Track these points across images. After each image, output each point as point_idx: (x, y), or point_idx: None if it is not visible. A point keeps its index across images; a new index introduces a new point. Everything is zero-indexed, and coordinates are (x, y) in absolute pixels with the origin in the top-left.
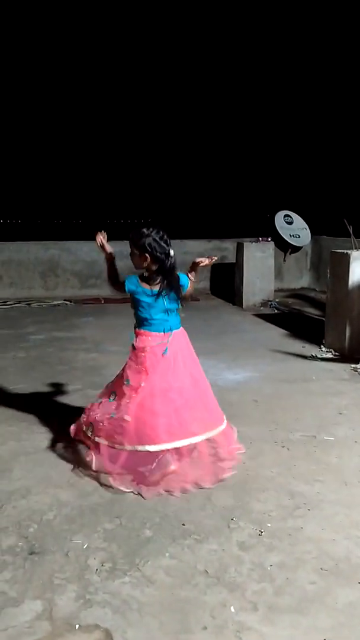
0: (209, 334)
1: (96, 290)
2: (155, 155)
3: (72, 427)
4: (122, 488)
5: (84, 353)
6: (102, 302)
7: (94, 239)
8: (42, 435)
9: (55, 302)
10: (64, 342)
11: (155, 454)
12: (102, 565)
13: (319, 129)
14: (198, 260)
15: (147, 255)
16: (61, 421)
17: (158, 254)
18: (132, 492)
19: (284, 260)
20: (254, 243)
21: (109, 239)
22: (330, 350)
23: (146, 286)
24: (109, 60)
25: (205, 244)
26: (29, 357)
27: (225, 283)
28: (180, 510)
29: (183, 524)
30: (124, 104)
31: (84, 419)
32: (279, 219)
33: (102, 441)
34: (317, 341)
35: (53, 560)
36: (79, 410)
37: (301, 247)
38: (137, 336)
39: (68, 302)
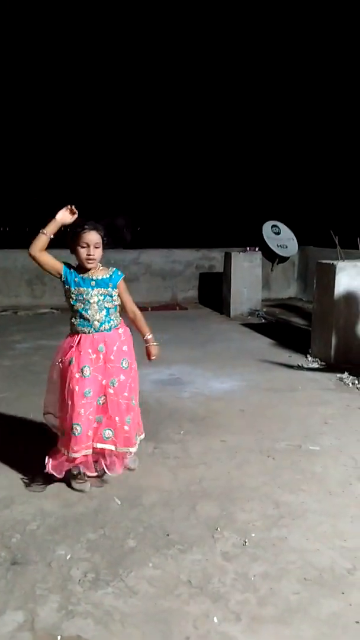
0: (196, 342)
1: None
2: (145, 164)
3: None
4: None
5: None
6: None
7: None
8: (26, 445)
9: (42, 311)
10: (50, 351)
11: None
12: (85, 575)
13: (307, 142)
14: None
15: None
16: (45, 430)
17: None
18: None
19: (272, 270)
20: (241, 253)
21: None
22: (317, 359)
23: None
24: (98, 77)
25: (193, 253)
26: (14, 365)
27: (213, 292)
28: (165, 520)
29: (167, 534)
30: (114, 115)
31: None
32: (267, 229)
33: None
34: (303, 351)
35: (36, 571)
36: None
37: (288, 257)
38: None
39: (55, 310)
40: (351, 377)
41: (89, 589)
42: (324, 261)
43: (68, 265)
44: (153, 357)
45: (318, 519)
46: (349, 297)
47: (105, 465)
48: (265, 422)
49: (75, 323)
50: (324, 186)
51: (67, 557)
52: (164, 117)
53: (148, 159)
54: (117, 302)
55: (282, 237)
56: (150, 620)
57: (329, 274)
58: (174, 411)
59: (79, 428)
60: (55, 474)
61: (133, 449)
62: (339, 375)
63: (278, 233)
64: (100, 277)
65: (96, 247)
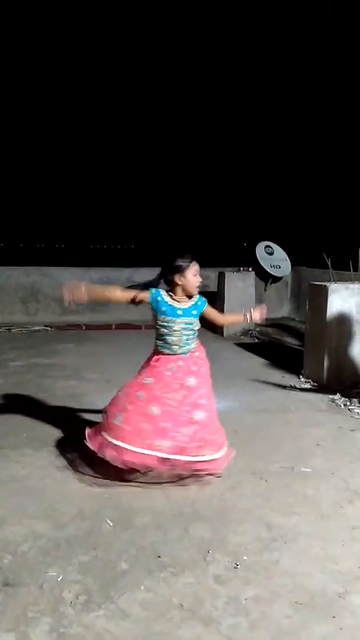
0: None
1: (77, 317)
2: (138, 183)
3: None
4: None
5: (63, 380)
6: (83, 328)
7: (76, 264)
8: (18, 465)
9: (35, 328)
10: (44, 369)
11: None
12: (77, 598)
13: (300, 164)
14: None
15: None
16: (37, 450)
17: None
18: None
19: (265, 290)
20: (235, 273)
21: (92, 265)
22: (309, 380)
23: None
24: (90, 95)
25: None
26: (7, 383)
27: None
28: (157, 542)
29: (159, 557)
30: (106, 131)
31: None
32: (260, 249)
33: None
34: (296, 371)
35: (27, 593)
36: (56, 440)
37: (282, 278)
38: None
39: (49, 328)
40: (343, 398)
41: (80, 612)
42: (317, 282)
43: (159, 291)
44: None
45: (310, 542)
46: (341, 318)
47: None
48: (258, 443)
49: (158, 344)
50: (316, 207)
51: (59, 579)
52: (159, 139)
53: (143, 179)
54: (197, 328)
55: (275, 258)
56: None
57: (322, 295)
58: None
59: (120, 418)
60: (89, 444)
61: (191, 458)
62: (330, 396)
63: (271, 253)
64: (186, 306)
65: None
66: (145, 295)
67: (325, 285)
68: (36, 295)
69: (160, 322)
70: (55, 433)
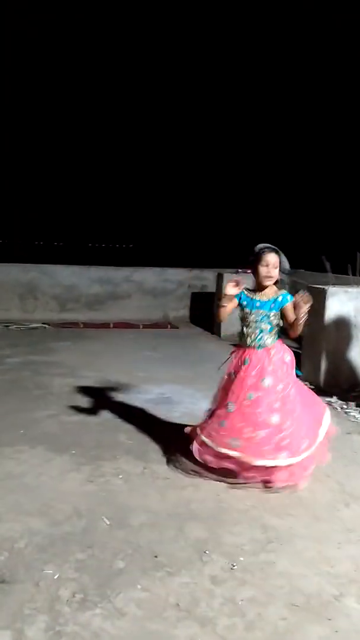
0: (187, 362)
1: (75, 315)
2: (138, 183)
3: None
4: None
5: (60, 378)
6: (81, 326)
7: (74, 262)
8: (13, 462)
9: (33, 325)
10: (41, 366)
11: None
12: (73, 596)
13: (299, 166)
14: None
15: None
16: (34, 447)
17: None
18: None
19: None
20: (234, 274)
21: (91, 264)
22: (306, 383)
23: None
24: (87, 98)
25: (185, 273)
26: (3, 380)
27: (205, 312)
28: (153, 542)
29: (155, 556)
30: (107, 132)
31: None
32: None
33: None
34: None
35: (23, 590)
36: (53, 435)
37: (282, 279)
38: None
39: (46, 326)
40: (340, 401)
41: (77, 610)
42: (315, 285)
43: (246, 289)
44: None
45: (305, 544)
46: (339, 322)
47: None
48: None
49: (239, 336)
50: (315, 211)
51: (55, 577)
52: (160, 140)
53: (143, 179)
54: (275, 323)
55: None
56: None
57: (320, 298)
58: (164, 431)
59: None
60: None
61: (264, 462)
62: (327, 399)
63: None
64: (265, 300)
65: (275, 268)
66: (225, 294)
67: (323, 289)
68: (34, 292)
69: (240, 315)
70: (52, 430)
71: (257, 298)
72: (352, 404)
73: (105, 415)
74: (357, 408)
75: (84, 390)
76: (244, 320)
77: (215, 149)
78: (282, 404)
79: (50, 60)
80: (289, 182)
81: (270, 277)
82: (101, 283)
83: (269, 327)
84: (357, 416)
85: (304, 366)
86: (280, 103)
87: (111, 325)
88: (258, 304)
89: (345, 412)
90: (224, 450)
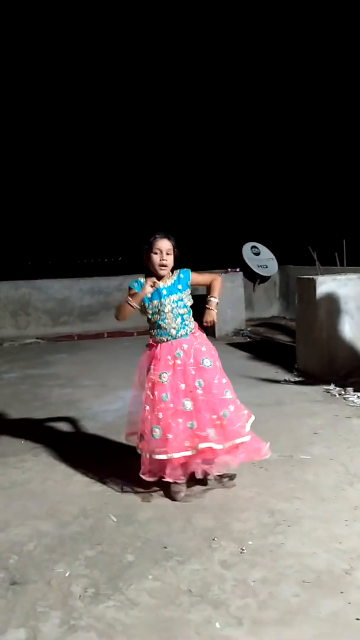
0: None
1: (69, 327)
2: (124, 190)
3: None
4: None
5: (58, 388)
6: (76, 338)
7: (64, 276)
8: (18, 470)
9: (27, 341)
10: (38, 379)
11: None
12: (85, 591)
13: (283, 165)
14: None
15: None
16: (37, 455)
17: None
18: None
19: (254, 291)
20: (223, 274)
21: (80, 276)
22: (303, 373)
23: None
24: (85, 103)
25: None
26: (2, 394)
27: (198, 313)
28: (161, 534)
29: (165, 547)
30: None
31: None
32: (247, 250)
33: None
34: (289, 366)
35: (35, 589)
36: (55, 445)
37: (269, 277)
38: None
39: (40, 340)
40: (337, 388)
41: (89, 604)
42: (304, 276)
43: (138, 280)
44: (205, 323)
45: (313, 525)
46: (330, 309)
47: (218, 464)
48: (256, 435)
49: (154, 334)
50: (299, 206)
51: (66, 575)
52: (143, 142)
53: (127, 185)
54: (190, 304)
55: (261, 258)
56: (152, 630)
57: (310, 288)
58: None
59: (157, 430)
60: (145, 477)
61: (243, 439)
62: (325, 387)
63: (258, 254)
64: (169, 284)
65: (168, 254)
66: (132, 292)
67: (313, 278)
68: (26, 308)
69: (150, 311)
70: (54, 438)
71: (161, 285)
72: (350, 389)
73: (107, 418)
74: (355, 393)
75: (84, 397)
76: (157, 313)
77: (201, 147)
78: (224, 379)
79: (49, 65)
80: (271, 180)
81: (165, 265)
82: (92, 294)
83: (186, 310)
84: (355, 401)
85: (299, 356)
86: (264, 105)
87: (105, 335)
88: (165, 291)
89: (344, 398)
90: (204, 445)
